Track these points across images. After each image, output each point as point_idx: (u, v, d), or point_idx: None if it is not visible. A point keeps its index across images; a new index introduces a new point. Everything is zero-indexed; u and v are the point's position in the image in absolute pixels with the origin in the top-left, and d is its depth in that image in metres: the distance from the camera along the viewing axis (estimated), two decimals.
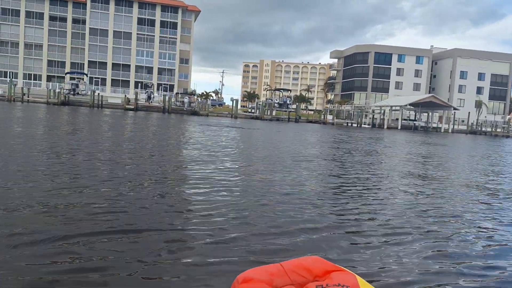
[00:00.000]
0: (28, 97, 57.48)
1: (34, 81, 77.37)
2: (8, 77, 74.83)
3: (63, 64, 79.31)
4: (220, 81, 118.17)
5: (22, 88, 56.47)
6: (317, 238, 4.89)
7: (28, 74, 78.57)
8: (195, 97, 66.62)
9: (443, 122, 69.51)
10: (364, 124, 69.65)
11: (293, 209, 6.15)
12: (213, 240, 4.47)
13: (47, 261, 3.69)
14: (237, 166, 10.66)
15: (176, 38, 79.24)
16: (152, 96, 62.15)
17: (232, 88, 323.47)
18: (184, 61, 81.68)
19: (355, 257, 4.35)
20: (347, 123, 70.21)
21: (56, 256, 3.80)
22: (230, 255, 4.09)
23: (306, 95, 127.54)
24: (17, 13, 76.81)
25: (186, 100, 61.41)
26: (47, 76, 78.35)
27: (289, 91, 73.76)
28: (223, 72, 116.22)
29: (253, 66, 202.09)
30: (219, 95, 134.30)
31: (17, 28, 77.15)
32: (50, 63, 79.29)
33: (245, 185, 8.02)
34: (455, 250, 4.91)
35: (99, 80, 76.82)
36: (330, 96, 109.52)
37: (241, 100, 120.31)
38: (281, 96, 69.88)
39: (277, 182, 8.53)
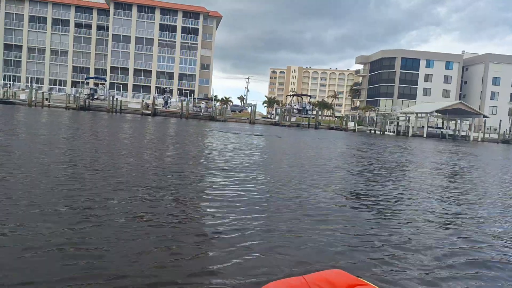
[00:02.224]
0: (49, 102, 58.88)
1: (60, 87, 79.44)
2: (34, 82, 77.30)
3: (87, 70, 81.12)
4: (245, 87, 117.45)
5: (43, 93, 57.75)
6: (341, 252, 4.80)
7: (54, 80, 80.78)
8: (212, 102, 66.38)
9: (472, 130, 66.38)
10: (388, 132, 67.53)
11: (318, 221, 6.08)
12: (236, 254, 4.44)
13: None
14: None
15: (197, 44, 79.62)
16: (169, 101, 62.38)
17: (260, 95, 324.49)
18: (205, 66, 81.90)
19: (379, 272, 4.25)
20: (370, 130, 68.28)
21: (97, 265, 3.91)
22: (254, 268, 4.09)
23: (333, 102, 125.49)
24: (44, 20, 79.28)
25: (203, 105, 61.42)
26: (72, 81, 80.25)
27: (309, 97, 72.36)
28: (248, 78, 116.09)
29: (280, 72, 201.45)
30: (244, 101, 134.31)
31: (43, 35, 79.60)
32: (75, 69, 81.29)
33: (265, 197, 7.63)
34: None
35: (121, 85, 78.04)
36: (357, 103, 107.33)
37: (266, 106, 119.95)
38: (301, 102, 68.69)
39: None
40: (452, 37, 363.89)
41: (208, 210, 6.31)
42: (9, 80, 76.86)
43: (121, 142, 17.27)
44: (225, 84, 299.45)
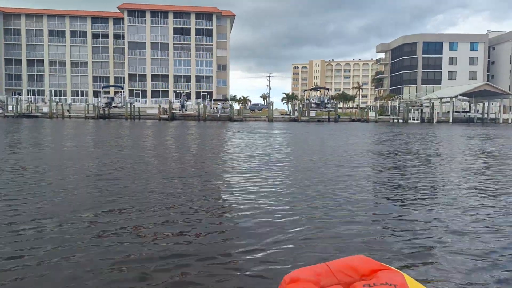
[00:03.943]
0: (69, 113, 60.59)
1: (81, 97, 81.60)
2: (58, 95, 79.75)
3: (107, 79, 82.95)
4: (267, 85, 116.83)
5: (62, 105, 59.41)
6: (366, 239, 4.84)
7: (76, 91, 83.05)
8: (229, 102, 66.48)
9: (501, 111, 63.68)
10: (412, 120, 65.72)
11: (344, 210, 6.18)
12: (262, 243, 4.63)
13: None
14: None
15: (212, 45, 79.98)
16: (185, 104, 62.91)
17: (284, 91, 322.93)
18: (222, 67, 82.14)
19: (406, 258, 4.27)
20: (393, 119, 66.68)
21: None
22: (279, 256, 4.23)
23: (357, 93, 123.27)
24: (62, 33, 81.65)
25: (219, 106, 61.57)
26: (93, 91, 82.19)
27: (327, 90, 71.30)
28: (269, 76, 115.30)
29: (302, 67, 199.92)
30: (267, 100, 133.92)
31: (63, 48, 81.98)
32: (95, 79, 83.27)
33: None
34: None
35: (140, 92, 79.36)
36: (381, 92, 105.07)
37: (285, 103, 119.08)
38: (319, 95, 67.82)
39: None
40: (482, 17, 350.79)
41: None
42: (33, 94, 79.55)
43: (147, 149, 17.40)
44: (250, 84, 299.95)
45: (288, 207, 6.36)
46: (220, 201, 6.83)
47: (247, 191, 7.57)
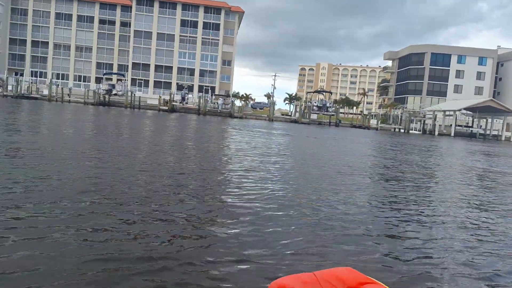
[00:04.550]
0: (69, 97, 60.27)
1: (84, 82, 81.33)
2: (60, 78, 79.58)
3: (110, 66, 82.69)
4: (272, 85, 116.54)
5: (62, 88, 59.12)
6: (357, 253, 4.71)
7: (78, 75, 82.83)
8: (230, 98, 66.17)
9: (504, 129, 63.16)
10: (413, 130, 65.29)
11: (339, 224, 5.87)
12: (248, 251, 4.46)
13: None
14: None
15: (218, 40, 79.63)
16: (186, 97, 62.63)
17: (288, 92, 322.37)
18: (227, 62, 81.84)
19: (390, 271, 4.22)
20: (394, 128, 66.28)
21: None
22: (266, 262, 4.17)
23: (362, 99, 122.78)
24: (69, 17, 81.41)
25: (220, 101, 61.26)
26: (96, 77, 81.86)
27: (330, 93, 70.92)
28: (275, 75, 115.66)
29: (309, 69, 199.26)
30: (271, 99, 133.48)
31: (69, 32, 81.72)
32: (98, 65, 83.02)
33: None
34: None
35: (142, 81, 79.12)
36: (385, 100, 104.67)
37: (287, 103, 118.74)
38: (322, 98, 67.50)
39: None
40: (493, 33, 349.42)
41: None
42: (36, 76, 79.37)
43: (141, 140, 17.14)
44: (256, 82, 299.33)
45: (280, 213, 6.16)
46: (209, 202, 6.56)
47: (237, 194, 7.29)
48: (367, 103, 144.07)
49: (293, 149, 18.71)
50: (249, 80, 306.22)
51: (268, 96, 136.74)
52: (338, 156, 16.45)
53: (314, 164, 12.64)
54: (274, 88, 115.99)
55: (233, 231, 5.10)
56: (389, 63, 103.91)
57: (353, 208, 6.92)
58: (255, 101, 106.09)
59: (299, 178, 9.68)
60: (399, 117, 68.45)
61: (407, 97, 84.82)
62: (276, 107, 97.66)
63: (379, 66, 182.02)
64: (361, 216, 6.42)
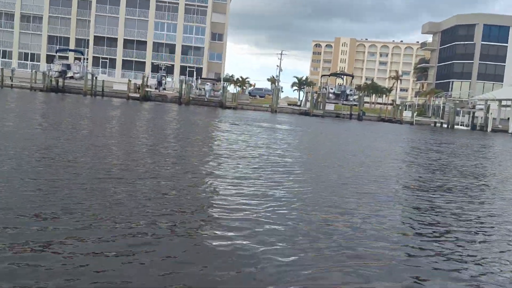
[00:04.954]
0: (11, 80, 60.22)
1: (31, 62, 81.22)
2: (0, 57, 79.56)
3: (66, 40, 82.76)
4: (277, 66, 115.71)
5: (2, 69, 59.29)
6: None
7: (24, 53, 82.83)
8: (221, 83, 66.19)
9: None
10: (459, 125, 65.29)
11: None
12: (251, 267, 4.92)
13: None
14: None
15: (206, 7, 79.64)
16: (163, 81, 62.69)
17: (300, 75, 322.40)
18: (217, 37, 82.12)
19: None
20: (435, 123, 66.28)
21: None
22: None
23: (394, 85, 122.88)
24: None
25: (207, 87, 61.17)
26: (47, 55, 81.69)
27: (352, 77, 70.90)
28: (281, 54, 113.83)
29: (326, 46, 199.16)
30: (276, 84, 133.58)
31: None
32: (51, 39, 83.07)
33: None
34: None
35: (107, 61, 79.22)
36: (424, 86, 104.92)
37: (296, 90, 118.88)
38: (340, 84, 67.52)
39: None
40: None
41: None
42: None
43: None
44: (256, 62, 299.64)
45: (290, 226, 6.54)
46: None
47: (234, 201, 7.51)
48: (400, 90, 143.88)
49: (304, 151, 18.60)
50: (247, 60, 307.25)
51: (272, 80, 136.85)
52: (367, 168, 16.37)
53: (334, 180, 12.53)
54: (280, 70, 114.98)
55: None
56: (430, 37, 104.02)
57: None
58: (255, 86, 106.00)
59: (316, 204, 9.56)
60: (441, 108, 68.34)
61: (452, 81, 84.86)
62: (283, 95, 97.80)
63: (417, 42, 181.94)
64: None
